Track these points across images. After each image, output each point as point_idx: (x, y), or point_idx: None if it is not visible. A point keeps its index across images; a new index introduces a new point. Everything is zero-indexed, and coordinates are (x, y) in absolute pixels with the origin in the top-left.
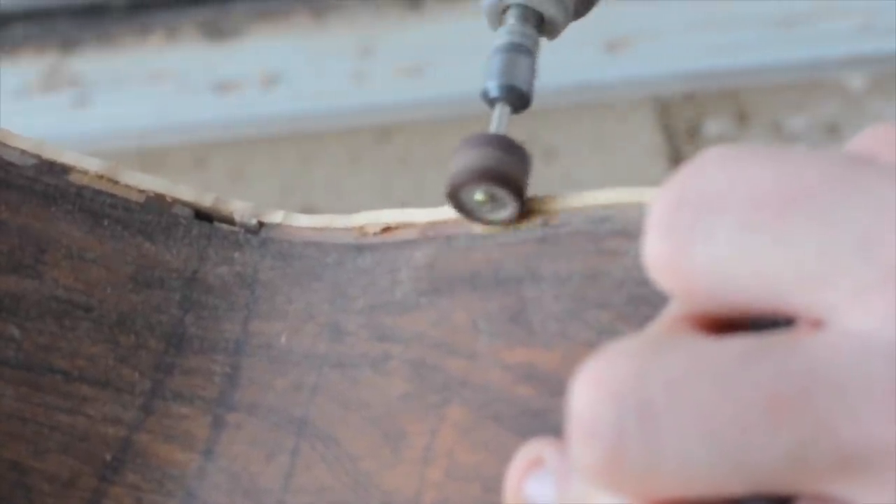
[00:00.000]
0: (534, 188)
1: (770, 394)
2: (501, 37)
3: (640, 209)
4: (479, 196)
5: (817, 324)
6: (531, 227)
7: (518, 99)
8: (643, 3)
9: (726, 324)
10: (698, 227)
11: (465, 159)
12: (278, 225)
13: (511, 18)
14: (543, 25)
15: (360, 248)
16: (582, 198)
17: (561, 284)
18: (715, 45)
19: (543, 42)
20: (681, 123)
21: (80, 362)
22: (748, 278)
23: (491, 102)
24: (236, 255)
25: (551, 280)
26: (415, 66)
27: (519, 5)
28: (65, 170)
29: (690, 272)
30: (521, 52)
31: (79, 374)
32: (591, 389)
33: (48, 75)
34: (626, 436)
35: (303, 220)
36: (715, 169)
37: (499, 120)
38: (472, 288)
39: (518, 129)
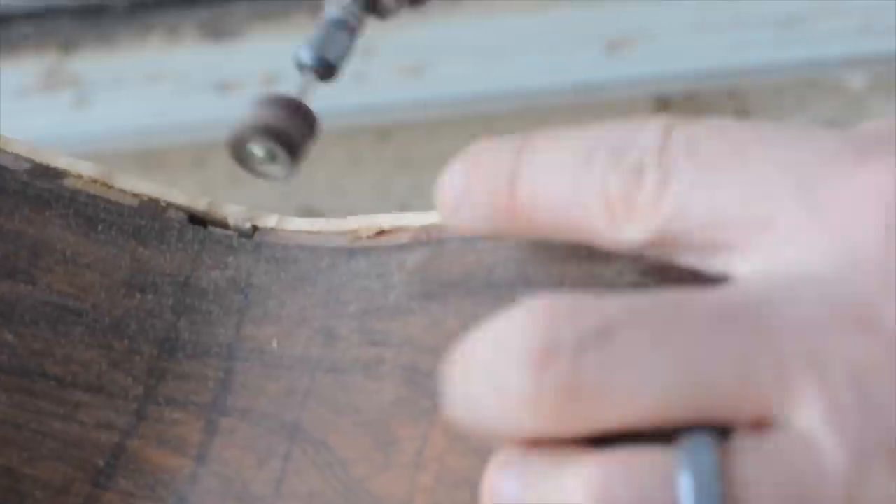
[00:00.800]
0: None
1: (718, 314)
2: (330, 11)
3: None
4: (257, 149)
5: (744, 250)
6: None
7: (326, 71)
8: (643, 3)
9: None
10: (671, 171)
11: (254, 113)
12: (272, 229)
13: None
14: (376, 6)
15: (353, 252)
16: None
17: (553, 288)
18: (715, 45)
19: (541, 40)
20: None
21: (73, 368)
22: (700, 218)
23: (300, 69)
24: (230, 259)
25: (544, 284)
26: (415, 66)
27: None
28: (58, 174)
29: (654, 211)
30: (342, 27)
31: (72, 380)
32: (545, 316)
33: (48, 75)
34: (586, 356)
35: (296, 224)
36: (691, 120)
37: (303, 87)
38: (464, 293)
39: (519, 128)
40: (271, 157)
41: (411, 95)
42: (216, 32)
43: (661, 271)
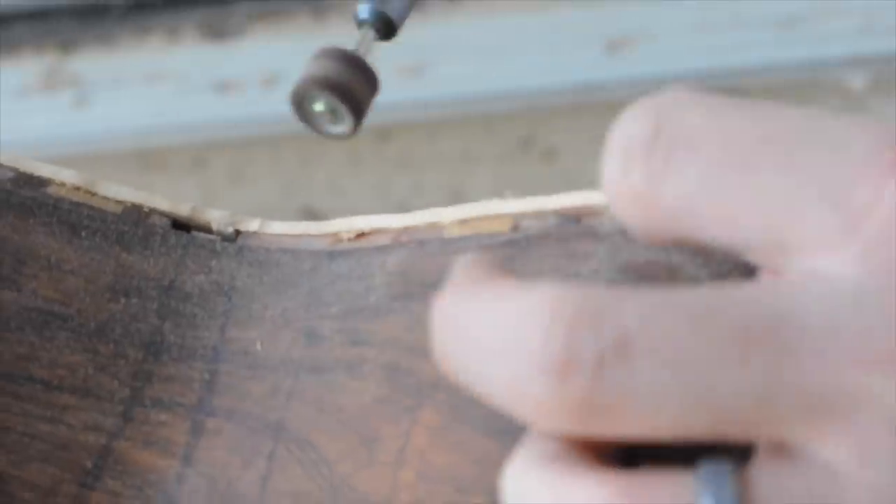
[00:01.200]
0: (534, 188)
1: (740, 330)
2: None
3: (607, 212)
4: (319, 106)
5: (776, 269)
6: (501, 231)
7: (385, 26)
8: (643, 3)
9: None
10: (671, 164)
11: (314, 68)
12: (254, 233)
13: None
14: None
15: (333, 255)
16: (551, 200)
17: None
18: (715, 46)
19: (541, 40)
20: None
21: (59, 371)
22: (714, 217)
23: (359, 24)
24: (213, 263)
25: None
26: (415, 66)
27: None
28: (42, 182)
29: (657, 205)
30: None
31: (59, 384)
32: (571, 323)
33: (48, 75)
34: (605, 369)
35: (278, 228)
36: (690, 108)
37: (361, 42)
38: None
39: (519, 128)
40: (333, 114)
41: (411, 95)
42: (216, 32)
43: (641, 269)
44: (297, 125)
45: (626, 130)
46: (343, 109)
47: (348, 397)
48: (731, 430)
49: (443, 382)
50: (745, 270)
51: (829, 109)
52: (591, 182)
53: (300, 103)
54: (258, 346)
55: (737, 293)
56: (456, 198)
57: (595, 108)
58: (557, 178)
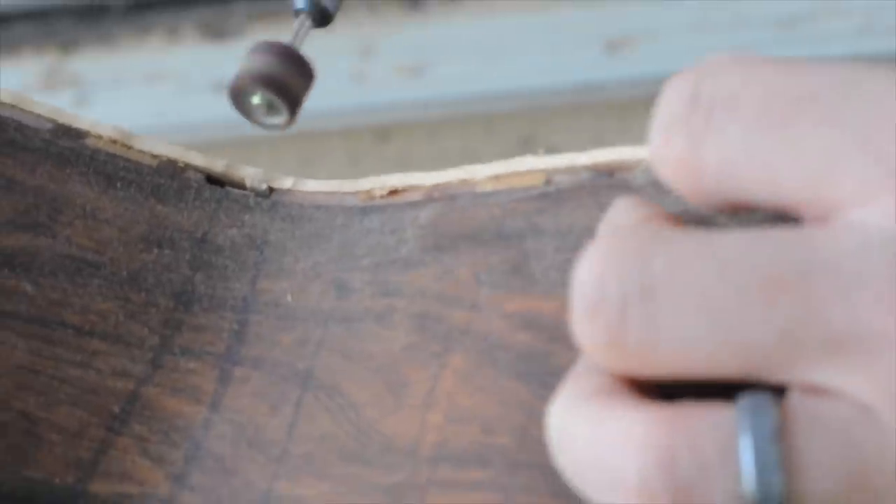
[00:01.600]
0: None
1: (767, 275)
2: None
3: (639, 165)
4: (255, 99)
5: (823, 220)
6: (534, 186)
7: (320, 15)
8: (643, 3)
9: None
10: (711, 126)
11: (251, 62)
12: (288, 190)
13: None
14: None
15: (366, 210)
16: (583, 156)
17: (562, 237)
18: (715, 46)
19: (541, 40)
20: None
21: (91, 318)
22: (756, 176)
23: (296, 13)
24: (246, 217)
25: (552, 233)
26: (415, 66)
27: None
28: (80, 134)
29: (702, 167)
30: None
31: (89, 329)
32: (596, 266)
33: (48, 75)
34: (629, 311)
35: (312, 185)
36: (727, 70)
37: (297, 31)
38: (475, 244)
39: (519, 128)
40: (270, 107)
41: (411, 95)
42: (216, 32)
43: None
44: (296, 125)
45: (667, 99)
46: (279, 102)
47: (377, 345)
48: (762, 370)
49: (472, 328)
50: (784, 222)
51: None
52: None
53: (238, 97)
54: (288, 298)
55: (768, 240)
56: None
57: (595, 108)
58: None
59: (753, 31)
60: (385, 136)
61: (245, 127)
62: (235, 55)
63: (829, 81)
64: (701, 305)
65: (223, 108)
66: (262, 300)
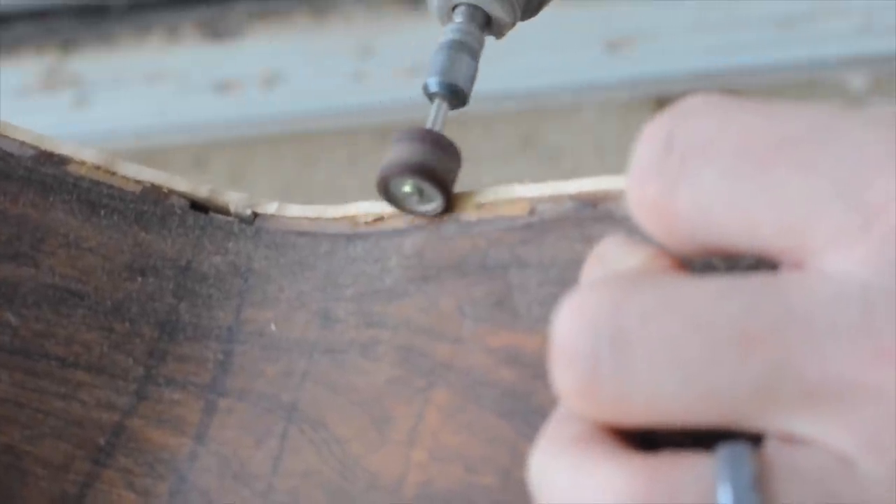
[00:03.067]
0: None
1: (740, 327)
2: (447, 34)
3: (623, 196)
4: (407, 188)
5: (798, 266)
6: (518, 215)
7: (456, 97)
8: (643, 3)
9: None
10: (686, 171)
11: (397, 152)
12: (272, 216)
13: (458, 17)
14: (490, 25)
15: (351, 238)
16: (567, 185)
17: (546, 270)
18: (715, 45)
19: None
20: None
21: (75, 348)
22: (731, 222)
23: (430, 97)
24: (230, 244)
25: (536, 266)
26: (415, 66)
27: (467, 4)
28: (63, 161)
29: (676, 214)
30: (465, 50)
31: (74, 360)
32: (570, 318)
33: (48, 75)
34: (600, 362)
35: (296, 211)
36: (703, 115)
37: (435, 115)
38: (459, 275)
39: (519, 128)
40: (420, 194)
41: (411, 95)
42: (216, 32)
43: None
44: (297, 125)
45: (642, 144)
46: (430, 189)
47: (362, 378)
48: (737, 420)
49: (455, 363)
50: (767, 265)
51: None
52: None
53: (386, 188)
54: (273, 328)
55: (741, 290)
56: None
57: (595, 107)
58: (557, 177)
59: (753, 31)
60: (385, 136)
61: (245, 127)
62: (235, 55)
63: (806, 126)
64: (673, 357)
65: (223, 108)
66: (246, 329)
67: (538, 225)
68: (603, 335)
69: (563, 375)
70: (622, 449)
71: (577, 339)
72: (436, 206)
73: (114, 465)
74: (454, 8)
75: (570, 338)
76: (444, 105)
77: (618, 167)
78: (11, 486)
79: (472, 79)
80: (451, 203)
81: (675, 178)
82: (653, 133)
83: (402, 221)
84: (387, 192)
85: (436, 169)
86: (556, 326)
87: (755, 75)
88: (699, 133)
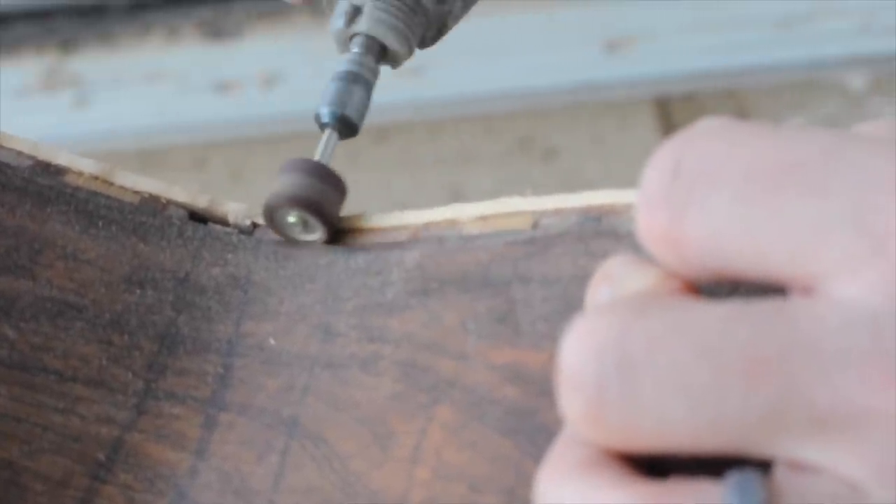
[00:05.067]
0: (534, 187)
1: (747, 356)
2: (342, 64)
3: (628, 210)
4: (291, 218)
5: (807, 292)
6: (521, 229)
7: (346, 127)
8: (643, 3)
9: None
10: (695, 198)
11: (282, 184)
12: None
13: (355, 47)
14: (386, 56)
15: (352, 250)
16: (571, 198)
17: (549, 286)
18: (715, 45)
19: (541, 40)
20: (681, 123)
21: (73, 362)
22: (742, 249)
23: (321, 127)
24: (229, 256)
25: (540, 281)
26: (414, 66)
27: (364, 35)
28: (60, 171)
29: (685, 241)
30: (358, 81)
31: (72, 374)
32: (576, 344)
33: (48, 75)
34: (606, 389)
35: None
36: (711, 140)
37: (325, 145)
38: (461, 289)
39: (518, 128)
40: (305, 225)
41: (411, 95)
42: (216, 32)
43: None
44: (296, 125)
45: (650, 171)
46: (314, 221)
47: (363, 394)
48: (745, 447)
49: (459, 380)
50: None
51: (829, 109)
52: (591, 181)
53: (271, 217)
54: (272, 341)
55: (749, 316)
56: (456, 198)
57: (595, 108)
58: (557, 177)
59: (752, 31)
60: (384, 136)
61: (245, 127)
62: (235, 55)
63: (814, 151)
64: (680, 384)
65: (223, 108)
66: (246, 343)
67: (542, 239)
68: (610, 361)
69: (570, 401)
70: (629, 475)
71: (584, 364)
72: (319, 237)
73: (113, 480)
74: (351, 38)
75: (577, 364)
76: (335, 136)
77: (617, 168)
78: (10, 502)
79: (364, 110)
80: (331, 232)
81: (684, 204)
82: (660, 159)
83: (403, 234)
84: (272, 221)
85: (320, 202)
86: (563, 352)
87: (755, 75)
88: (707, 158)
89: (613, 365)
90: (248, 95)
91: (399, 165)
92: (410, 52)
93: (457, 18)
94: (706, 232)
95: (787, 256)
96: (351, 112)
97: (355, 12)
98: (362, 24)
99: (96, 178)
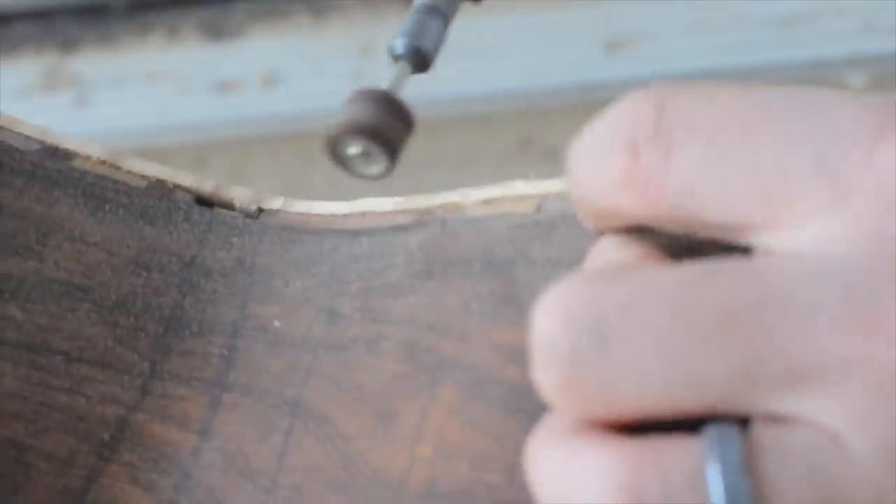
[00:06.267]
0: None
1: (719, 312)
2: None
3: None
4: (353, 149)
5: (770, 252)
6: (524, 212)
7: (420, 61)
8: (643, 3)
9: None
10: (677, 144)
11: (349, 113)
12: (277, 211)
13: None
14: None
15: (356, 234)
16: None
17: (552, 267)
18: (715, 45)
19: (541, 40)
20: None
21: (79, 343)
22: (713, 194)
23: (395, 59)
24: (235, 239)
25: (542, 263)
26: None
27: None
28: (68, 155)
29: (662, 186)
30: (436, 15)
31: (78, 355)
32: (548, 315)
33: (48, 75)
34: (581, 357)
35: (301, 207)
36: (688, 91)
37: (396, 78)
38: (465, 271)
39: (519, 128)
40: (367, 157)
41: (411, 95)
42: (216, 32)
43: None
44: (296, 125)
45: (629, 114)
46: (376, 151)
47: (367, 374)
48: (721, 405)
49: (461, 360)
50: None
51: None
52: None
53: (333, 148)
54: (277, 323)
55: (719, 274)
56: None
57: (595, 108)
58: (557, 177)
59: (753, 31)
60: None
61: (245, 127)
62: (235, 55)
63: (785, 101)
64: (654, 346)
65: (223, 108)
66: (251, 325)
67: (545, 222)
68: (582, 328)
69: (545, 373)
70: (611, 437)
71: (556, 333)
72: (381, 169)
73: (118, 459)
74: None
75: (549, 333)
76: (407, 68)
77: None
78: (16, 480)
79: (440, 45)
80: (394, 167)
81: (668, 150)
82: (640, 106)
83: (407, 218)
84: (334, 152)
85: (384, 130)
86: (535, 323)
87: (755, 75)
88: (687, 107)
89: (585, 332)
90: (248, 95)
91: (399, 165)
92: None
93: None
94: (685, 177)
95: (757, 203)
96: (426, 45)
97: None
98: None
99: (104, 162)
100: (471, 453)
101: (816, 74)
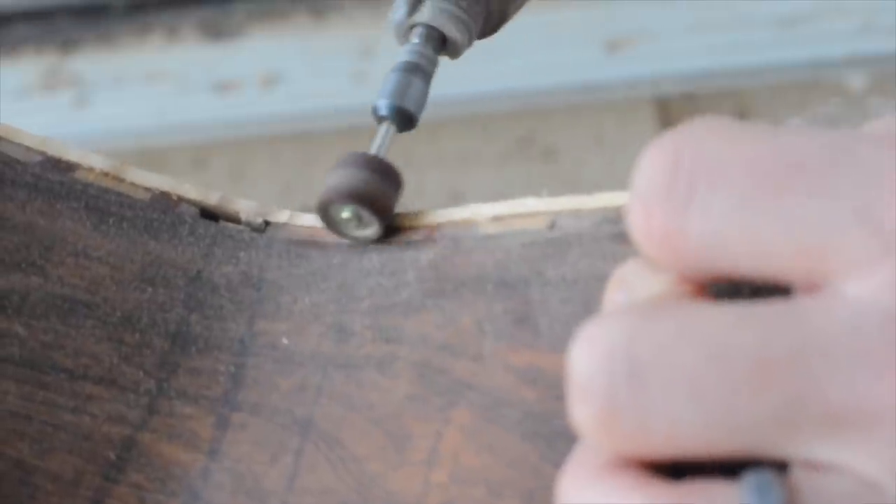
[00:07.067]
0: (534, 188)
1: (757, 356)
2: (402, 55)
3: None
4: (345, 213)
5: (813, 290)
6: (537, 229)
7: (405, 120)
8: (643, 3)
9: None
10: (695, 197)
11: (337, 177)
12: (284, 224)
13: (415, 37)
14: (446, 46)
15: (365, 249)
16: (588, 199)
17: (567, 287)
18: (715, 45)
19: (541, 40)
20: (681, 123)
21: (84, 360)
22: (745, 249)
23: (378, 119)
24: (242, 254)
25: (557, 283)
26: None
27: (424, 25)
28: (70, 167)
29: (684, 241)
30: (417, 73)
31: (83, 373)
32: (585, 351)
33: (48, 75)
34: (616, 395)
35: (308, 220)
36: (709, 137)
37: (382, 138)
38: (477, 290)
39: (519, 128)
40: (359, 220)
41: None
42: (216, 32)
43: None
44: (296, 125)
45: (646, 166)
46: (368, 215)
47: (378, 395)
48: (760, 449)
49: (476, 382)
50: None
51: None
52: (591, 181)
53: (325, 212)
54: (285, 341)
55: (758, 317)
56: (456, 198)
57: (595, 107)
58: (557, 177)
59: (753, 30)
60: None
61: (245, 127)
62: (235, 55)
63: (816, 149)
64: (690, 389)
65: (223, 108)
66: (259, 342)
67: (559, 240)
68: (619, 368)
69: (581, 409)
70: (648, 479)
71: (593, 371)
72: (373, 232)
73: (125, 480)
74: (411, 28)
75: (586, 370)
76: (392, 129)
77: (618, 168)
78: (21, 501)
79: (423, 102)
80: (389, 229)
81: (685, 203)
82: (657, 155)
83: (418, 234)
84: (326, 216)
85: (376, 196)
86: (573, 359)
87: (755, 75)
88: (707, 156)
89: (623, 370)
90: (248, 95)
91: (399, 165)
92: (470, 42)
93: (518, 7)
94: (707, 232)
95: (794, 257)
96: (409, 104)
97: (417, 2)
98: (424, 15)
99: (107, 174)
100: (487, 479)
101: (816, 74)
